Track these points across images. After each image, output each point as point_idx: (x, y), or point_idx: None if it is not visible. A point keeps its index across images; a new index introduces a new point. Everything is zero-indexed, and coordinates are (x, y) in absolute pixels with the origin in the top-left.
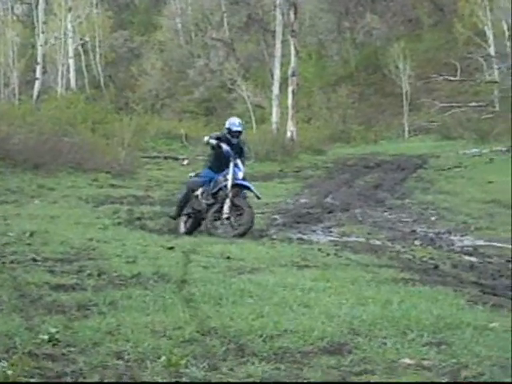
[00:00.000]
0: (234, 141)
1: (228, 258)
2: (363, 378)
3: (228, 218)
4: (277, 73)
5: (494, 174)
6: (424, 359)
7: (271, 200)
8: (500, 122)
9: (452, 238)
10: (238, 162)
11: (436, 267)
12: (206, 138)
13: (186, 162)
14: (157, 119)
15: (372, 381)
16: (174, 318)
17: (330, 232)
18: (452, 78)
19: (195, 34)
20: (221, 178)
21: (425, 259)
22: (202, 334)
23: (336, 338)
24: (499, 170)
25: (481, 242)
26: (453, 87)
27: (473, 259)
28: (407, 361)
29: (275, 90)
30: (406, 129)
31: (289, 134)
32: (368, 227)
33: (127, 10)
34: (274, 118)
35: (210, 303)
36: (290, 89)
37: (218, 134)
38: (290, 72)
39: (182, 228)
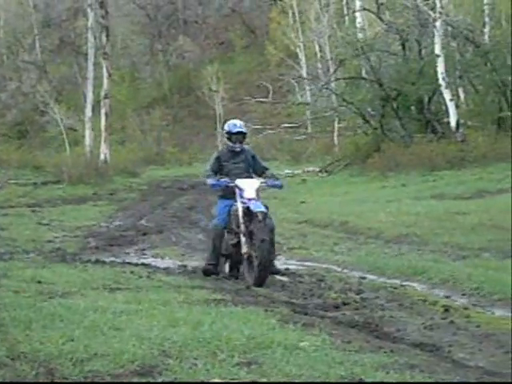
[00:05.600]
0: (238, 147)
1: (39, 282)
2: None
3: (249, 256)
4: (90, 95)
5: (307, 195)
6: (234, 379)
7: (84, 223)
8: (312, 143)
9: None
10: (240, 182)
11: (248, 288)
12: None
13: None
14: None
15: None
16: None
17: (144, 254)
18: (264, 100)
19: (7, 56)
20: (234, 207)
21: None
22: (12, 359)
23: (147, 361)
24: (311, 191)
25: (293, 262)
26: (265, 109)
27: (284, 279)
28: (217, 381)
29: (88, 112)
30: None
31: (102, 156)
32: (182, 249)
33: None
34: (88, 140)
35: (19, 327)
36: (102, 111)
37: (215, 155)
38: (102, 94)
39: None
